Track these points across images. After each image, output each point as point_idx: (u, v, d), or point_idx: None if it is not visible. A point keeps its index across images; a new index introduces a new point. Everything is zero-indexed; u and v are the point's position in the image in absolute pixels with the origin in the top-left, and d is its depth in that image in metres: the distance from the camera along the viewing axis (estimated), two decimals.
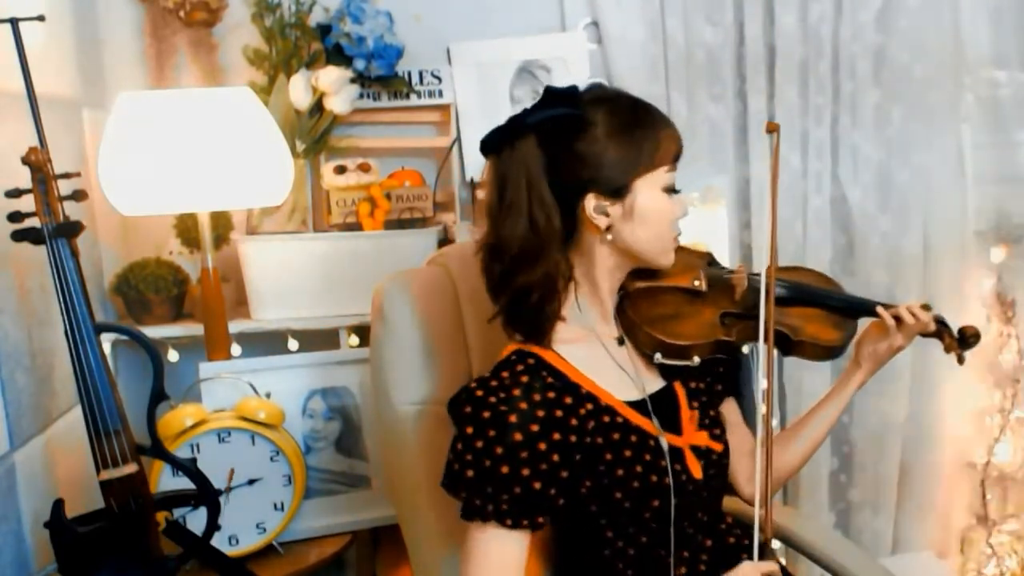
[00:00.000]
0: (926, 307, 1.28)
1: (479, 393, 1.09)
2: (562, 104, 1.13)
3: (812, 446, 1.33)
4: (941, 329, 1.29)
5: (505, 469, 1.05)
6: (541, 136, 1.11)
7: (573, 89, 1.15)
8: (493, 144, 1.13)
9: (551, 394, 1.11)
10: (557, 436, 1.09)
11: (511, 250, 1.11)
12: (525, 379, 1.10)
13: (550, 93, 1.14)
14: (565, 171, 1.11)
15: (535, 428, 1.07)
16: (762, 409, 1.36)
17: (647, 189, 1.13)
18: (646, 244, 1.15)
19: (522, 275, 1.11)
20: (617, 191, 1.12)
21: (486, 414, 1.07)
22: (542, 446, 1.07)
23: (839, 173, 2.12)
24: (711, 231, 1.96)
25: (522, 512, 1.07)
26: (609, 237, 1.14)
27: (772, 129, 1.19)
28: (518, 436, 1.06)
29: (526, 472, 1.06)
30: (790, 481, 2.02)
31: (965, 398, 2.20)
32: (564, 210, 1.12)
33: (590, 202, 1.12)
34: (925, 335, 1.30)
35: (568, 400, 1.12)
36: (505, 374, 1.11)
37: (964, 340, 1.29)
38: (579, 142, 1.11)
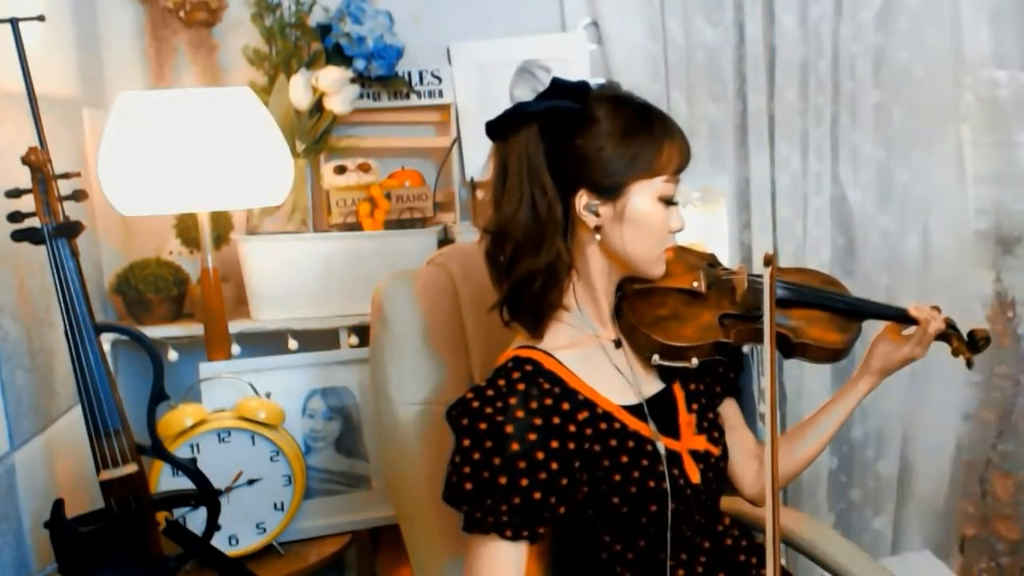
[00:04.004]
0: (936, 309, 1.26)
1: (475, 404, 1.08)
2: (566, 97, 1.12)
3: (813, 452, 1.32)
4: (950, 332, 1.26)
5: (503, 480, 1.04)
6: (543, 126, 1.11)
7: (581, 84, 1.14)
8: (497, 129, 1.13)
9: (548, 400, 1.10)
10: (555, 444, 1.08)
11: (514, 236, 1.11)
12: (521, 387, 1.09)
13: (556, 84, 1.14)
14: (562, 164, 1.11)
15: (532, 437, 1.06)
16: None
17: (641, 195, 1.12)
18: (633, 250, 1.13)
19: (525, 262, 1.11)
20: (609, 191, 1.11)
21: (482, 425, 1.06)
22: (540, 455, 1.06)
23: (839, 173, 2.12)
24: (711, 231, 1.96)
25: (522, 523, 1.06)
26: (598, 237, 1.13)
27: (769, 261, 1.04)
28: (515, 446, 1.05)
29: (524, 482, 1.05)
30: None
31: (965, 397, 2.19)
32: (562, 203, 1.11)
33: (581, 199, 1.11)
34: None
35: (566, 406, 1.11)
36: (501, 382, 1.10)
37: (974, 343, 1.26)
38: (578, 137, 1.11)
